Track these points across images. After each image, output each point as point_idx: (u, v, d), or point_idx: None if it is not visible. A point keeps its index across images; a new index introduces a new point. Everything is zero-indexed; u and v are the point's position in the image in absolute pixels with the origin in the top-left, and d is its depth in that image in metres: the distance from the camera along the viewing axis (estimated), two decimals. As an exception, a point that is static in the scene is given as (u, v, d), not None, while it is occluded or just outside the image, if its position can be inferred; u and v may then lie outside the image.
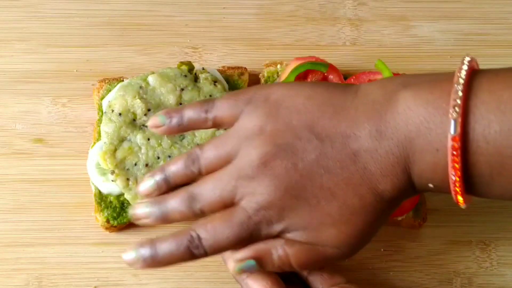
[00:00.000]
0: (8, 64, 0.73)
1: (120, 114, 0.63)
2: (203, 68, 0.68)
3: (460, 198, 0.48)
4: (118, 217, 0.64)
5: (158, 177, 0.54)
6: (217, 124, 0.54)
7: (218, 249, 0.51)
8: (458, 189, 0.47)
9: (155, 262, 0.51)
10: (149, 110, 0.64)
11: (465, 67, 0.47)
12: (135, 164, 0.63)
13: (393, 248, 0.67)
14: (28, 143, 0.69)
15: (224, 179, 0.51)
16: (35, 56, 0.73)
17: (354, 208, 0.49)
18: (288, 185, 0.49)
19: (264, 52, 0.74)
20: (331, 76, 0.68)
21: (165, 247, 0.51)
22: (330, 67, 0.68)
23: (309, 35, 0.75)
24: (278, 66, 0.71)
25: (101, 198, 0.64)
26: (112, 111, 0.64)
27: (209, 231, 0.50)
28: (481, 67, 0.74)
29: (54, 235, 0.66)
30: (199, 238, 0.51)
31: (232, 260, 0.51)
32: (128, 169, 0.63)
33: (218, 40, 0.75)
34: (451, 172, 0.46)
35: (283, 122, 0.50)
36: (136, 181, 0.63)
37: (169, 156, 0.63)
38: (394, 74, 0.67)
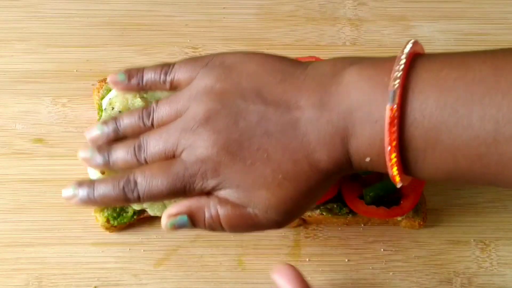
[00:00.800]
0: (8, 64, 0.73)
1: (120, 112, 0.63)
2: None
3: (395, 171, 0.48)
4: (118, 217, 0.64)
5: (109, 125, 0.56)
6: (174, 87, 0.56)
7: (151, 196, 0.52)
8: (393, 162, 0.47)
9: (91, 200, 0.53)
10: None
11: (409, 45, 0.48)
12: None
13: (393, 248, 0.67)
14: (28, 143, 0.69)
15: (170, 132, 0.53)
16: (35, 56, 0.73)
17: (288, 172, 0.49)
18: (227, 141, 0.50)
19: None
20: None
21: (102, 187, 0.53)
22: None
23: (309, 35, 0.75)
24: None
25: None
26: (112, 108, 0.63)
27: (146, 177, 0.52)
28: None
29: (54, 235, 0.66)
30: (135, 182, 0.52)
31: (165, 215, 0.53)
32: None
33: (218, 40, 0.75)
34: (387, 143, 0.46)
35: (232, 83, 0.52)
36: None
37: None
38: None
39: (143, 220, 0.66)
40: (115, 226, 0.64)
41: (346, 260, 0.66)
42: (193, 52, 0.74)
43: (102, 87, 0.68)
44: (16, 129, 0.70)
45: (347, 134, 0.48)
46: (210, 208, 0.52)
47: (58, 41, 0.74)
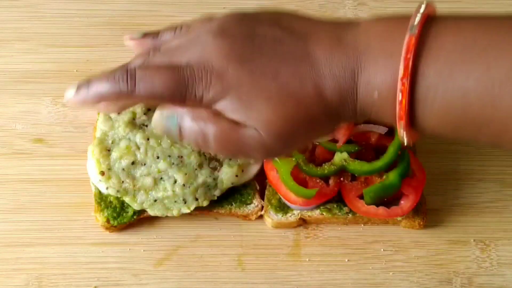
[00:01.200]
0: (8, 64, 0.73)
1: (119, 112, 0.63)
2: None
3: (402, 111, 0.47)
4: (118, 217, 0.64)
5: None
6: None
7: (147, 90, 0.50)
8: (403, 98, 0.46)
9: (87, 96, 0.52)
10: (149, 109, 0.64)
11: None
12: (132, 163, 0.63)
13: (393, 248, 0.67)
14: (28, 143, 0.69)
15: (186, 37, 0.53)
16: (35, 56, 0.73)
17: (293, 91, 0.49)
18: (239, 49, 0.50)
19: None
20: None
21: (97, 80, 0.52)
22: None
23: (309, 35, 0.75)
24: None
25: (101, 198, 0.64)
26: None
27: (147, 69, 0.51)
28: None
29: (54, 235, 0.66)
30: (135, 74, 0.51)
31: (158, 111, 0.52)
32: (123, 169, 0.63)
33: (218, 40, 0.75)
34: (401, 70, 0.46)
35: (251, 15, 0.52)
36: (133, 182, 0.62)
37: (169, 156, 0.63)
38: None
39: (143, 220, 0.66)
40: (115, 226, 0.64)
41: (346, 260, 0.66)
42: (193, 52, 0.74)
43: None
44: (16, 129, 0.70)
45: (360, 67, 0.48)
46: (204, 120, 0.50)
47: (58, 41, 0.74)
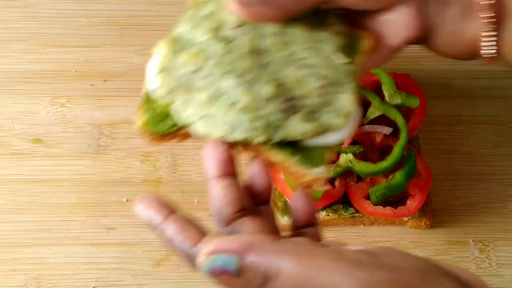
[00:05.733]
0: (6, 64, 0.73)
1: (207, 15, 0.55)
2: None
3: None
4: (158, 124, 0.55)
5: None
6: None
7: None
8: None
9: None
10: (240, 25, 0.54)
11: None
12: (195, 72, 0.54)
13: (392, 249, 0.66)
14: (27, 143, 0.69)
15: None
16: (34, 56, 0.73)
17: None
18: None
19: (263, 53, 0.74)
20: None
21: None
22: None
23: (308, 36, 0.75)
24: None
25: (148, 100, 0.56)
26: (201, 9, 0.55)
27: None
28: (480, 67, 0.74)
29: (52, 236, 0.66)
30: None
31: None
32: (184, 74, 0.54)
33: (217, 40, 0.75)
34: None
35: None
36: (189, 90, 0.54)
37: (241, 76, 0.52)
38: (392, 75, 0.67)
39: (181, 137, 0.55)
40: (151, 133, 0.54)
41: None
42: (192, 52, 0.74)
43: None
44: (15, 129, 0.70)
45: None
46: None
47: (56, 41, 0.74)
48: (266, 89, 0.52)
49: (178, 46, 0.55)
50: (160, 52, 0.55)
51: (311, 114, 0.52)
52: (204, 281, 0.64)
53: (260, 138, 0.51)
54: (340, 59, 0.52)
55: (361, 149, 0.65)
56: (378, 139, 0.65)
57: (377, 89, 0.68)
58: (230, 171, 0.47)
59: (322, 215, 0.65)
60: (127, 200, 0.67)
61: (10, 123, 0.70)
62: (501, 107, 0.73)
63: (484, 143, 0.71)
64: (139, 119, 0.54)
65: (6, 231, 0.66)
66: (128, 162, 0.69)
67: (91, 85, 0.71)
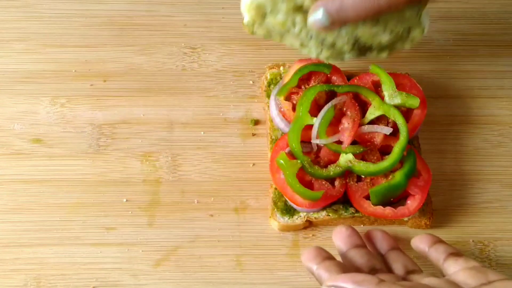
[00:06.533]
0: (6, 65, 0.73)
1: None
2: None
3: None
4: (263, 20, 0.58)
5: None
6: None
7: None
8: None
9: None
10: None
11: None
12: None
13: (392, 249, 0.66)
14: (27, 143, 0.69)
15: None
16: (34, 56, 0.73)
17: None
18: None
19: (262, 53, 0.74)
20: (334, 77, 0.68)
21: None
22: (333, 68, 0.68)
23: (308, 35, 0.75)
24: (281, 68, 0.71)
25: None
26: None
27: None
28: (480, 67, 0.74)
29: (52, 236, 0.66)
30: None
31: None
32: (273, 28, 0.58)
33: (216, 40, 0.75)
34: None
35: None
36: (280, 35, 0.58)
37: (323, 40, 0.58)
38: (392, 75, 0.67)
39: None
40: (253, 32, 0.58)
41: (345, 260, 0.66)
42: (191, 52, 0.74)
43: None
44: (15, 129, 0.70)
45: None
46: None
47: (56, 41, 0.74)
48: (347, 48, 0.58)
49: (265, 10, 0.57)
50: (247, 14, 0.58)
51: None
52: (202, 280, 0.65)
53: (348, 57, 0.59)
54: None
55: (361, 149, 0.65)
56: (378, 139, 0.65)
57: (377, 89, 0.68)
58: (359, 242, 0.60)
59: (322, 215, 0.65)
60: (127, 200, 0.67)
61: (10, 123, 0.70)
62: (501, 107, 0.73)
63: (484, 143, 0.71)
64: (247, 16, 0.58)
65: (6, 231, 0.66)
66: (128, 162, 0.69)
67: (91, 85, 0.71)
